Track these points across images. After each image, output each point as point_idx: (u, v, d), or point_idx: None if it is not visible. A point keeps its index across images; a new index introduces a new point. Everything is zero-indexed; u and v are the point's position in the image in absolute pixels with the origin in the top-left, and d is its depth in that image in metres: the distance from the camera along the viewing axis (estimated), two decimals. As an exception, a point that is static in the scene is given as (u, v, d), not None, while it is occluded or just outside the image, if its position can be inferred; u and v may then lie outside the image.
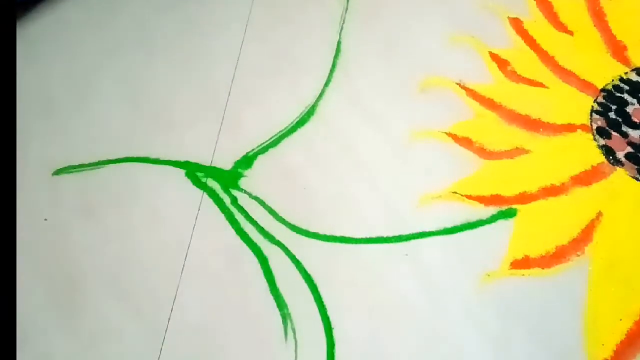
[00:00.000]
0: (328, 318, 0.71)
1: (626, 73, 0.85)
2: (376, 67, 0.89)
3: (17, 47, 0.87)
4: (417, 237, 0.75)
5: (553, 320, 0.68)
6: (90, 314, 0.74)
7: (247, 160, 0.84)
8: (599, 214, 0.74)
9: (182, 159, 0.84)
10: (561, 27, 0.91)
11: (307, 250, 0.75)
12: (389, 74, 0.88)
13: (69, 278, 0.76)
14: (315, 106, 0.87)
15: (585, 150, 0.80)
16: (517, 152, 0.80)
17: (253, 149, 0.85)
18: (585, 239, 0.73)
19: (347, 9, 0.95)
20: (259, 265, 0.75)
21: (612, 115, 0.82)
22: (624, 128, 0.81)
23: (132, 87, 0.90)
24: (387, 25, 0.93)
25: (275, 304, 0.72)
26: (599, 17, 0.91)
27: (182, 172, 0.83)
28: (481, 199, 0.77)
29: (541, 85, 0.86)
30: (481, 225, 0.75)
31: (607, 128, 0.81)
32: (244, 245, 0.77)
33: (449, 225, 0.75)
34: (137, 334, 0.72)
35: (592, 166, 0.78)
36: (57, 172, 0.83)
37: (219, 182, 0.82)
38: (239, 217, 0.79)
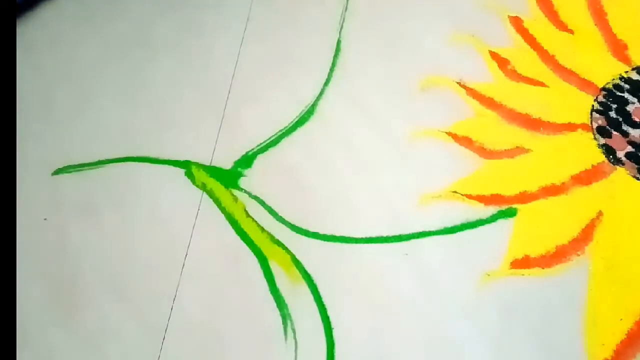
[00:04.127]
0: (328, 318, 0.71)
1: (626, 72, 0.85)
2: (376, 66, 0.89)
3: (17, 47, 0.87)
4: (417, 237, 0.75)
5: (553, 320, 0.68)
6: (90, 313, 0.74)
7: (247, 160, 0.84)
8: (599, 214, 0.74)
9: (182, 158, 0.84)
10: (561, 26, 0.91)
11: (307, 250, 0.75)
12: (389, 73, 0.88)
13: (69, 278, 0.76)
14: (315, 105, 0.87)
15: (586, 150, 0.80)
16: (517, 151, 0.80)
17: (253, 149, 0.84)
18: (586, 238, 0.73)
19: (347, 8, 0.95)
20: (258, 265, 0.75)
21: (612, 114, 0.82)
22: (625, 127, 0.81)
23: (132, 87, 0.90)
24: (387, 24, 0.93)
25: (275, 304, 0.72)
26: (599, 15, 0.91)
27: (182, 171, 0.83)
28: (481, 199, 0.77)
29: (541, 84, 0.85)
30: (481, 224, 0.75)
31: (607, 127, 0.81)
32: (244, 245, 0.77)
33: (449, 224, 0.75)
34: (137, 333, 0.72)
35: (592, 165, 0.78)
36: (57, 172, 0.83)
37: (219, 181, 0.82)
38: (238, 216, 0.79)
